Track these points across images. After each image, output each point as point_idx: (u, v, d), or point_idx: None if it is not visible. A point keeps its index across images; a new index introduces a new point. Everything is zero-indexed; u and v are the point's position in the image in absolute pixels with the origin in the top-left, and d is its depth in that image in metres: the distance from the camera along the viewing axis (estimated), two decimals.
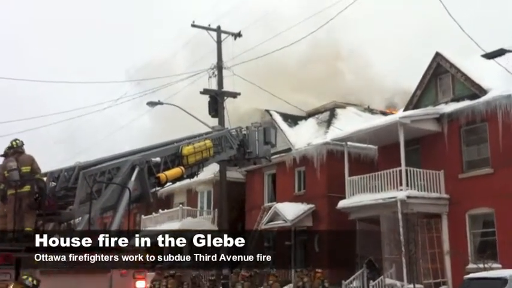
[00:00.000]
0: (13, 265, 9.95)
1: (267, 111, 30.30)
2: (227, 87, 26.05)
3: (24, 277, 9.45)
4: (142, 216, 36.68)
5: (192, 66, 28.11)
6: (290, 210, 26.35)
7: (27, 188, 11.02)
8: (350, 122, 26.83)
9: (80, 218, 11.39)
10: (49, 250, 10.45)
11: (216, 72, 25.98)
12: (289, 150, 28.19)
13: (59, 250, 10.56)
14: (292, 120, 30.53)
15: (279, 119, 29.91)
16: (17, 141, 11.48)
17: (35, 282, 9.49)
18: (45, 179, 11.86)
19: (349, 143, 24.17)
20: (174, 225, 32.50)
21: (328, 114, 29.60)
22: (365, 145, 24.85)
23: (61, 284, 10.27)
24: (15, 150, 11.40)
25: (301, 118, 30.84)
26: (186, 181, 19.45)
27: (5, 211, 11.18)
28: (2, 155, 11.55)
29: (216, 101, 25.31)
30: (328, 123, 28.47)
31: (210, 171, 28.49)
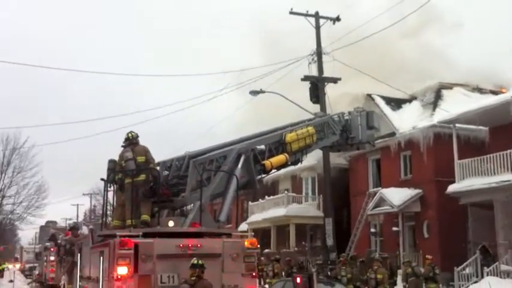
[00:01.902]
0: (132, 250, 10.50)
1: (369, 95, 29.81)
2: (327, 72, 25.97)
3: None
4: (250, 203, 37.56)
5: (285, 57, 28.20)
6: (396, 196, 25.86)
7: (142, 177, 11.58)
8: (457, 103, 25.77)
9: (192, 205, 11.87)
10: (163, 235, 11.02)
11: (315, 58, 25.94)
12: (393, 134, 27.60)
13: (172, 235, 11.11)
14: (396, 103, 29.82)
15: (381, 103, 29.34)
16: (132, 133, 12.13)
17: (200, 262, 10.28)
18: (158, 168, 12.49)
19: (457, 124, 23.29)
20: (280, 212, 33.00)
21: (433, 95, 28.60)
22: (475, 127, 23.85)
23: (174, 267, 10.73)
24: (131, 141, 12.04)
25: (404, 101, 30.06)
26: (291, 168, 19.65)
27: (123, 199, 11.86)
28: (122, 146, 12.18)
29: (317, 87, 25.29)
30: (434, 105, 27.54)
31: (314, 157, 28.58)
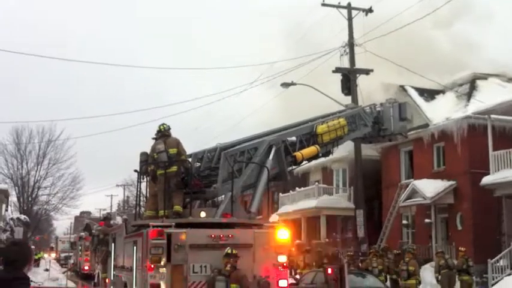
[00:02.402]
0: (165, 240, 10.65)
1: (402, 86, 29.45)
2: (358, 64, 25.75)
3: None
4: (280, 194, 37.61)
5: (313, 49, 28.02)
6: (429, 187, 25.54)
7: (174, 168, 11.74)
8: (492, 94, 25.27)
9: (223, 196, 11.98)
10: (195, 226, 11.16)
11: (347, 50, 25.75)
12: (425, 125, 27.23)
13: (204, 226, 11.24)
14: (429, 94, 29.40)
15: (414, 94, 28.96)
16: (164, 126, 12.29)
17: (234, 251, 10.61)
18: (190, 159, 12.62)
19: (492, 116, 22.86)
20: (311, 203, 32.97)
21: (467, 86, 28.11)
22: (511, 117, 23.37)
23: (207, 257, 10.88)
24: (163, 133, 12.21)
25: (438, 92, 29.61)
26: (321, 159, 19.63)
27: (156, 190, 12.04)
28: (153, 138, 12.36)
29: (349, 79, 25.12)
30: (469, 96, 27.04)
31: (345, 149, 28.45)
